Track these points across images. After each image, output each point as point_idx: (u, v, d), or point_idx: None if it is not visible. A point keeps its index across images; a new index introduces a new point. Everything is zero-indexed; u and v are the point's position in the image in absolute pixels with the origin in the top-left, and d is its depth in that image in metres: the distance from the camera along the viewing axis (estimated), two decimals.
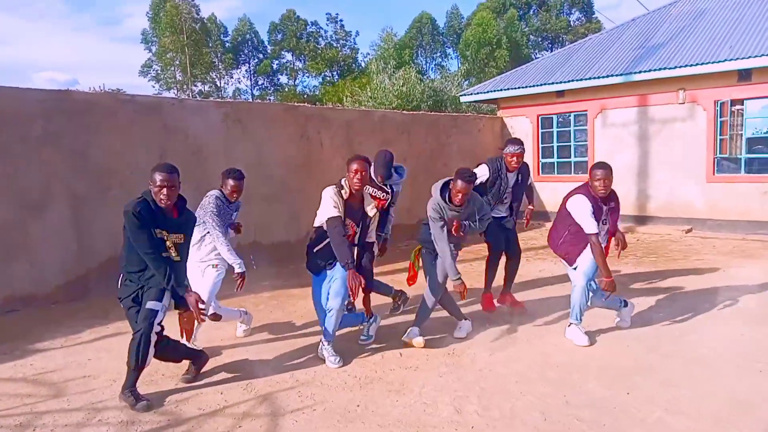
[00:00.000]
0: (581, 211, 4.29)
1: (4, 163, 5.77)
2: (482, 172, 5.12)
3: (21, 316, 5.60)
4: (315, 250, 4.23)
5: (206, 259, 4.36)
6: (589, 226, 4.24)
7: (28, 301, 5.89)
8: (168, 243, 3.50)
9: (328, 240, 4.08)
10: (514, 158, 5.15)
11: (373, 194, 4.77)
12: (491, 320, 5.05)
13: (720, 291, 5.81)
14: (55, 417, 3.36)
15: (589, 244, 4.27)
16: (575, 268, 4.44)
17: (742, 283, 6.07)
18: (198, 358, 3.97)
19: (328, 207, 4.05)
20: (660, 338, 4.47)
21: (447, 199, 4.35)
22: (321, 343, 4.21)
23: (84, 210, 6.32)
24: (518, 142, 5.19)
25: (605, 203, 4.38)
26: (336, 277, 4.14)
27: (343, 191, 4.11)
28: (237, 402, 3.53)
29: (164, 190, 3.43)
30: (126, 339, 4.36)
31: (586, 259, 4.34)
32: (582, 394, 3.49)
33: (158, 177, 3.43)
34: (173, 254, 3.52)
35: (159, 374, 3.94)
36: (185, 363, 3.95)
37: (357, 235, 4.28)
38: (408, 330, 4.49)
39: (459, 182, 4.27)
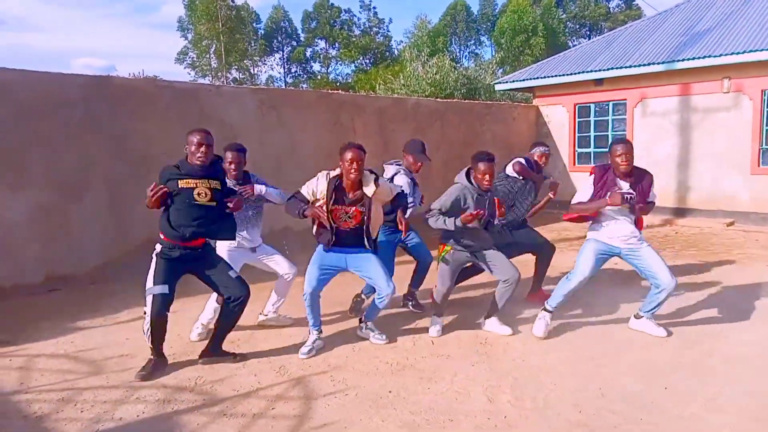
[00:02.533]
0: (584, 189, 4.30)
1: (46, 147, 5.93)
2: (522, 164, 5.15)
3: (62, 296, 5.77)
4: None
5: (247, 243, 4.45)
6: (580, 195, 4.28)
7: (68, 281, 6.06)
8: (198, 190, 3.63)
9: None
10: (543, 157, 5.23)
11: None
12: (524, 312, 4.99)
13: (763, 287, 5.63)
14: (95, 393, 3.46)
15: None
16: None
17: None
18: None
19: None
20: (699, 334, 4.35)
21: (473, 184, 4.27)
22: (362, 324, 4.36)
23: (122, 194, 6.46)
24: (545, 144, 5.37)
25: (627, 179, 4.19)
26: (368, 267, 4.10)
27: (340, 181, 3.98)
28: (270, 384, 3.57)
29: (202, 148, 3.64)
30: None
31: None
32: (616, 388, 3.43)
33: (195, 138, 3.65)
34: (204, 200, 3.64)
35: (195, 354, 4.02)
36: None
37: (363, 220, 4.03)
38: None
39: (480, 165, 4.19)
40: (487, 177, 4.20)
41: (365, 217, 4.00)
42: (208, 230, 3.73)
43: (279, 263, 4.52)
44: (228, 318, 3.89)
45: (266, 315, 4.70)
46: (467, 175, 4.31)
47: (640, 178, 4.22)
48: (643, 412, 3.12)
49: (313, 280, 4.03)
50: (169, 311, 3.67)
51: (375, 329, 4.33)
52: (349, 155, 3.89)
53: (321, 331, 4.19)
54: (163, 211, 3.68)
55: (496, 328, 4.44)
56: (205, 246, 3.87)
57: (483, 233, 4.34)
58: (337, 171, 4.00)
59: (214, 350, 3.95)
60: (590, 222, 4.39)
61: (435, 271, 4.64)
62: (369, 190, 4.01)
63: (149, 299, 3.61)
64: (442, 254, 4.40)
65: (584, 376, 3.62)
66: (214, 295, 4.23)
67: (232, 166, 4.29)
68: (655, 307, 4.29)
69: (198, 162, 3.65)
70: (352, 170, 3.89)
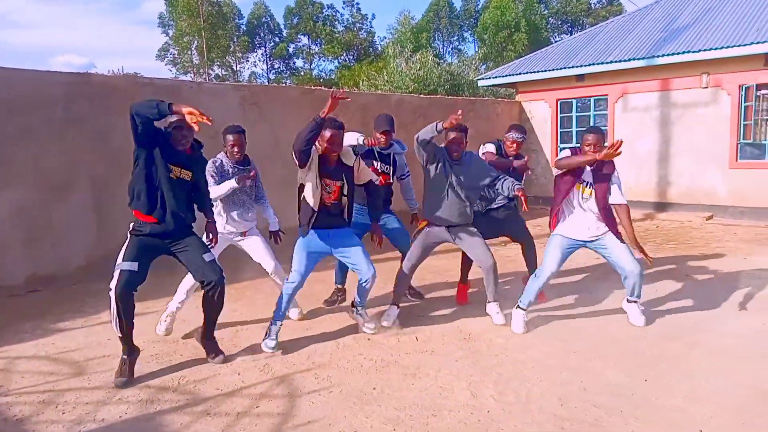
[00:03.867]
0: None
1: (28, 145, 5.84)
2: (490, 149, 5.09)
3: (43, 296, 5.69)
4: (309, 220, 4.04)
5: (233, 228, 4.46)
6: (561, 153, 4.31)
7: (50, 282, 5.98)
8: (175, 172, 3.63)
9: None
10: (514, 145, 5.06)
11: (375, 168, 4.74)
12: (508, 306, 5.02)
13: (742, 279, 5.72)
14: (77, 395, 3.42)
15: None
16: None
17: (764, 271, 5.97)
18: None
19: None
20: (680, 326, 4.41)
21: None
22: (356, 310, 4.39)
23: (105, 192, 6.38)
24: (522, 130, 5.12)
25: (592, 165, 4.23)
26: (350, 251, 4.15)
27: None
28: (254, 383, 3.56)
29: (183, 131, 3.62)
30: (144, 320, 4.44)
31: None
32: (600, 381, 3.47)
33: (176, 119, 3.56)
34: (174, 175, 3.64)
35: (177, 354, 3.99)
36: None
37: (342, 193, 4.09)
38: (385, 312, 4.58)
39: (450, 133, 4.41)
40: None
41: (345, 190, 4.08)
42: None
43: (264, 257, 4.54)
44: (209, 307, 3.82)
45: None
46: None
47: (606, 172, 4.25)
48: (626, 405, 3.16)
49: (302, 267, 4.02)
50: (136, 291, 3.52)
51: (366, 316, 4.36)
52: (327, 134, 4.04)
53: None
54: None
55: (493, 314, 4.54)
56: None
57: (464, 209, 4.43)
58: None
59: (205, 337, 3.91)
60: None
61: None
62: (349, 160, 4.13)
63: (116, 274, 3.47)
64: (419, 228, 4.56)
65: (567, 370, 3.65)
66: (189, 276, 4.20)
67: (235, 149, 4.37)
68: (632, 292, 4.39)
69: (180, 146, 3.67)
70: (327, 145, 4.04)
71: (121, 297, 3.44)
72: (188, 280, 4.30)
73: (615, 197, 4.27)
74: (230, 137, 4.39)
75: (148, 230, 3.60)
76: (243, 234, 4.53)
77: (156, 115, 3.35)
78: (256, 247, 4.56)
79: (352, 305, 4.45)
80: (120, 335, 3.58)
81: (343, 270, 5.03)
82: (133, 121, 3.41)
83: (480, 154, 5.03)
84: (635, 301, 4.46)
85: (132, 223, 3.64)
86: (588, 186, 4.25)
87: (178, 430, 3.01)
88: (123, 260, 3.51)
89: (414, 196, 5.25)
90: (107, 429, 3.04)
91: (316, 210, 3.97)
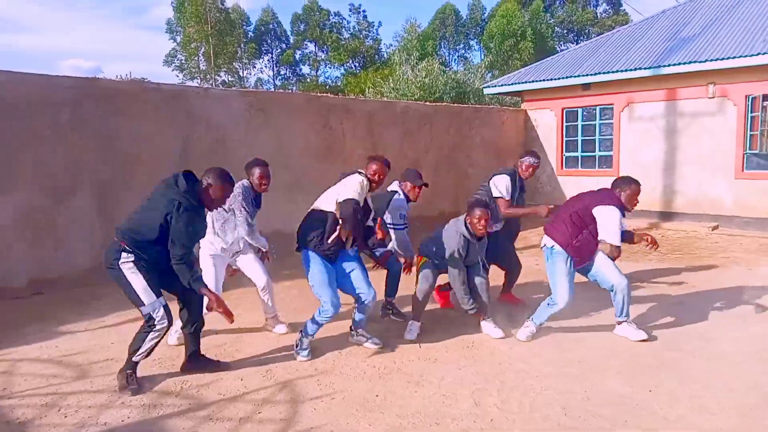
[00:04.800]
0: (615, 224, 4.17)
1: (34, 148, 5.88)
2: (504, 183, 5.04)
3: (47, 299, 5.71)
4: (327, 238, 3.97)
5: (229, 248, 4.41)
6: (617, 238, 4.20)
7: (54, 285, 6.00)
8: None
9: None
10: (530, 169, 5.14)
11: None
12: (512, 315, 5.01)
13: (746, 290, 5.69)
14: (80, 398, 3.43)
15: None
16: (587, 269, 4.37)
17: None
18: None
19: (352, 191, 3.90)
20: (683, 336, 4.39)
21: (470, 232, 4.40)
22: (353, 332, 4.30)
23: (110, 195, 6.41)
24: (538, 156, 5.24)
25: None
26: (354, 270, 4.09)
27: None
28: (257, 388, 3.56)
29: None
30: None
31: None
32: (603, 391, 3.45)
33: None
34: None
35: (180, 359, 3.98)
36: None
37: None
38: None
39: (477, 211, 4.32)
40: (482, 222, 4.32)
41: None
42: None
43: (256, 272, 4.54)
44: (190, 338, 3.82)
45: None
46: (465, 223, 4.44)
47: None
48: (629, 415, 3.14)
49: (335, 298, 3.93)
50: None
51: (367, 335, 4.29)
52: (374, 167, 4.17)
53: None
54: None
55: (490, 331, 4.48)
56: None
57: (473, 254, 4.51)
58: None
59: (193, 360, 3.83)
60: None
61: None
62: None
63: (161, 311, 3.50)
64: (421, 264, 4.63)
65: (570, 379, 3.64)
66: None
67: (264, 181, 4.42)
68: (622, 310, 4.34)
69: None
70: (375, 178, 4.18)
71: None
72: None
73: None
74: (258, 170, 4.42)
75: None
76: (237, 253, 4.52)
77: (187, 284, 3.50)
78: (248, 263, 4.55)
79: (351, 329, 4.34)
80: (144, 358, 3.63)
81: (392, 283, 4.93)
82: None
83: (493, 188, 5.04)
84: (625, 321, 4.38)
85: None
86: None
87: None
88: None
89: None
90: None
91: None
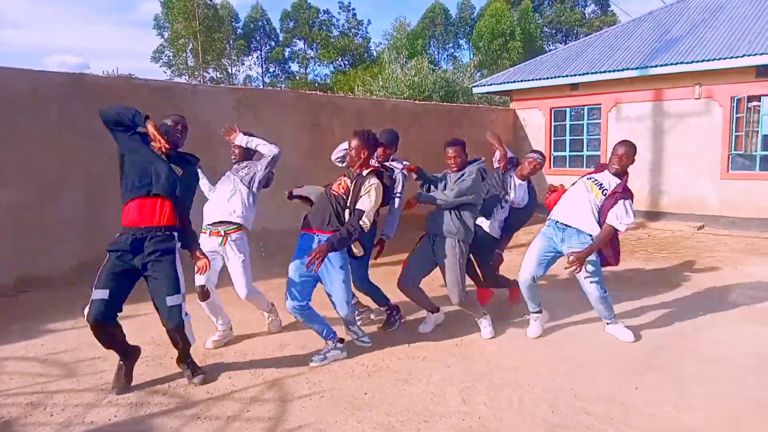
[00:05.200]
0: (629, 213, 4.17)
1: (21, 145, 5.81)
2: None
3: (33, 297, 5.64)
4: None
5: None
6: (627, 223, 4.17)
7: (41, 282, 5.93)
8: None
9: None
10: (533, 165, 5.04)
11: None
12: (500, 313, 5.03)
13: (732, 289, 5.76)
14: (66, 397, 3.40)
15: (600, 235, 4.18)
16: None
17: (755, 281, 6.02)
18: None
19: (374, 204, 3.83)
20: (671, 335, 4.44)
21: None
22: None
23: (99, 192, 6.34)
24: (541, 153, 5.23)
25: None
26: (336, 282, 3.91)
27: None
28: (245, 387, 3.54)
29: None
30: (135, 322, 4.43)
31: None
32: (591, 389, 3.48)
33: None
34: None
35: (167, 357, 3.96)
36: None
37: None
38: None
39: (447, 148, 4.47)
40: (451, 161, 4.38)
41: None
42: None
43: (237, 279, 4.25)
44: (174, 343, 3.55)
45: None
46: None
47: (619, 186, 4.23)
48: (616, 413, 3.17)
49: (291, 299, 3.85)
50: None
51: (360, 332, 4.25)
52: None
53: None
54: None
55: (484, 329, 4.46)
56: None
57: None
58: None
59: (180, 360, 3.65)
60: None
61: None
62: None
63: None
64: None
65: (559, 376, 3.66)
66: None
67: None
68: (602, 314, 4.39)
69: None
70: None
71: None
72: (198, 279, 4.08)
73: (610, 218, 4.16)
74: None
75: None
76: (224, 238, 4.16)
77: (129, 123, 3.44)
78: (233, 267, 4.23)
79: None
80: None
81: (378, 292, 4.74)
82: (107, 123, 3.39)
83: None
84: (611, 322, 4.41)
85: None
86: (600, 189, 4.21)
87: None
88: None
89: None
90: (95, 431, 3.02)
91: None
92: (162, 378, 3.67)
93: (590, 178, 4.32)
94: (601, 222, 4.17)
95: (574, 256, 4.06)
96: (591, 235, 4.17)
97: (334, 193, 3.88)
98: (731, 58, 9.12)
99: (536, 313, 4.47)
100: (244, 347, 4.24)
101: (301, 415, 3.17)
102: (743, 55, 8.99)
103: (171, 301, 3.35)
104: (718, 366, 3.81)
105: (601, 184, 4.23)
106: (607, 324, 4.44)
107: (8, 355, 4.09)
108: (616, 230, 4.15)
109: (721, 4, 11.47)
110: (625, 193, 4.16)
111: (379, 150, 4.57)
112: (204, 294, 4.14)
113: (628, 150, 4.22)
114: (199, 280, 4.04)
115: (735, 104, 9.48)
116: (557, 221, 4.34)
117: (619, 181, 4.22)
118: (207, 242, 4.14)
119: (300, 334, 4.46)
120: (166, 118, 3.66)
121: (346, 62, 49.37)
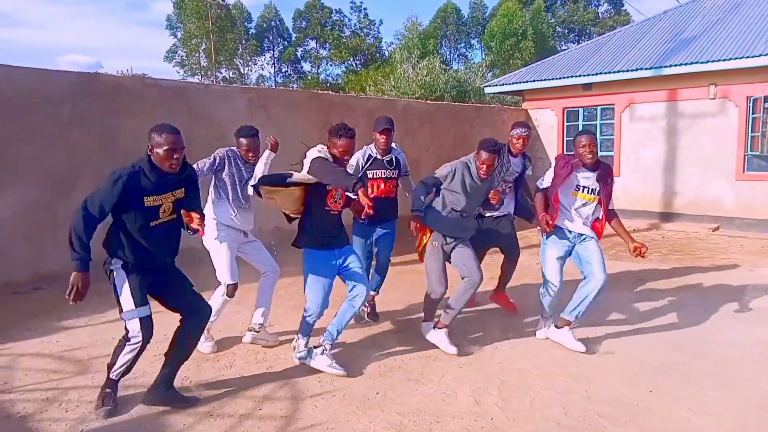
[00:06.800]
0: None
1: (33, 144, 5.87)
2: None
3: (47, 294, 5.69)
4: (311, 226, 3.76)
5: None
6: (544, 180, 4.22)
7: (54, 280, 5.97)
8: (163, 206, 3.17)
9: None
10: (520, 140, 4.92)
11: (373, 177, 4.53)
12: (512, 315, 5.01)
13: (747, 291, 5.70)
14: (81, 393, 3.43)
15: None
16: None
17: None
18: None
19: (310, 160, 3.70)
20: (684, 337, 4.39)
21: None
22: (321, 347, 3.79)
23: None
24: (525, 125, 5.02)
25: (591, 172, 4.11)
26: (353, 264, 3.87)
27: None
28: (257, 385, 3.55)
29: (175, 154, 3.09)
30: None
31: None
32: (604, 391, 3.45)
33: (165, 138, 3.08)
34: (165, 217, 3.20)
35: None
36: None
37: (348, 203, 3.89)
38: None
39: (483, 153, 4.11)
40: (484, 168, 4.13)
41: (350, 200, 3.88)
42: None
43: (263, 259, 4.33)
44: (183, 347, 3.36)
45: (256, 331, 4.29)
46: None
47: (605, 174, 4.14)
48: (629, 415, 3.14)
49: (319, 299, 3.73)
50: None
51: (331, 358, 3.76)
52: (341, 142, 3.84)
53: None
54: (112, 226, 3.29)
55: (442, 343, 4.12)
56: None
57: (466, 222, 4.28)
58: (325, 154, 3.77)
59: (159, 390, 3.27)
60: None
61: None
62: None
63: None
64: (424, 242, 4.25)
65: (571, 378, 3.64)
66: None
67: (250, 154, 4.18)
68: (575, 307, 4.11)
69: (170, 170, 3.11)
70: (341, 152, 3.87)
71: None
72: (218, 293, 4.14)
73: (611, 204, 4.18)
74: (244, 141, 4.15)
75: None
76: (245, 234, 4.27)
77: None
78: (256, 250, 4.32)
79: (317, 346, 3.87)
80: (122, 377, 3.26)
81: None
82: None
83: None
84: (569, 324, 4.17)
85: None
86: (589, 192, 4.12)
87: (181, 430, 3.01)
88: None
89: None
90: (110, 428, 3.04)
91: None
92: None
93: (577, 189, 4.15)
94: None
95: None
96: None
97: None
98: (747, 57, 9.01)
99: (549, 317, 4.41)
100: (256, 346, 4.25)
101: (313, 414, 3.17)
102: (759, 55, 8.88)
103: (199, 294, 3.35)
104: (732, 369, 3.77)
105: (586, 187, 4.13)
106: (561, 325, 4.23)
107: (23, 351, 4.14)
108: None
109: (737, 3, 11.34)
110: (610, 175, 4.17)
111: (378, 136, 4.62)
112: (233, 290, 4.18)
113: (593, 137, 4.09)
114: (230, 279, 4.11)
115: (751, 104, 9.36)
116: (571, 231, 4.26)
117: (594, 172, 4.10)
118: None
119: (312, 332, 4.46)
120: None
121: (358, 62, 49.43)
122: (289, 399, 3.37)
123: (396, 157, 4.73)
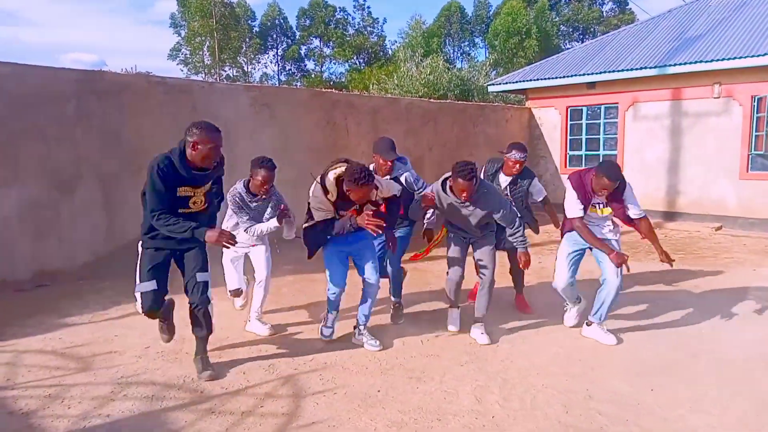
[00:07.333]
0: (568, 197, 4.33)
1: (37, 142, 5.89)
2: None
3: (50, 291, 5.73)
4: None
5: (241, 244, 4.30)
6: (572, 211, 4.28)
7: (57, 277, 6.02)
8: (194, 198, 3.45)
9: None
10: (517, 165, 4.75)
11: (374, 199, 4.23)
12: (514, 313, 5.01)
13: (750, 291, 5.68)
14: (83, 390, 3.44)
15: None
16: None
17: None
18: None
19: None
20: (686, 337, 4.39)
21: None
22: (356, 329, 4.26)
23: (114, 190, 6.42)
24: (524, 149, 4.79)
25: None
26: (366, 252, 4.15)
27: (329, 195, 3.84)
28: (259, 382, 3.57)
29: (217, 152, 3.44)
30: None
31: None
32: (605, 390, 3.45)
33: (211, 137, 3.35)
34: (195, 208, 3.48)
35: (183, 352, 4.00)
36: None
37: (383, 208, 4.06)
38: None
39: (459, 180, 3.92)
40: (464, 194, 3.98)
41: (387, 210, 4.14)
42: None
43: (258, 266, 4.50)
44: (193, 324, 3.66)
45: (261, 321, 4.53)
46: (443, 183, 4.18)
47: (616, 194, 4.19)
48: (630, 414, 3.14)
49: (336, 277, 4.13)
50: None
51: (369, 336, 4.20)
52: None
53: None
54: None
55: (478, 336, 4.31)
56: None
57: (475, 229, 4.33)
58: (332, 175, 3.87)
59: (195, 355, 3.73)
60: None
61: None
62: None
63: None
64: (442, 237, 4.54)
65: (572, 377, 3.64)
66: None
67: (264, 187, 4.20)
68: (598, 309, 4.26)
69: (208, 165, 3.41)
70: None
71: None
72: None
73: (633, 211, 4.26)
74: (262, 172, 4.13)
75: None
76: (253, 245, 4.51)
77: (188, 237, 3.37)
78: (257, 255, 4.50)
79: (354, 328, 4.29)
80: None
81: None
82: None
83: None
84: (596, 323, 4.30)
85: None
86: (604, 206, 4.28)
87: (183, 427, 3.02)
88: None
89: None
90: (112, 425, 3.05)
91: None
92: (177, 373, 3.70)
93: (594, 206, 4.28)
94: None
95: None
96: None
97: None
98: (752, 56, 8.97)
99: (575, 303, 4.52)
100: (258, 343, 4.26)
101: (315, 412, 3.18)
102: (764, 54, 8.84)
103: (201, 277, 3.57)
104: (734, 369, 3.76)
105: (600, 203, 4.28)
106: (590, 323, 4.36)
107: (26, 348, 4.16)
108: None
109: (742, 2, 11.29)
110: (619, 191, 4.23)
111: (380, 160, 4.49)
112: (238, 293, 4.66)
113: (615, 184, 4.12)
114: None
115: (756, 103, 9.33)
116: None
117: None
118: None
119: (314, 330, 4.48)
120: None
121: (362, 60, 49.43)
122: (290, 396, 3.38)
123: (397, 177, 4.54)
